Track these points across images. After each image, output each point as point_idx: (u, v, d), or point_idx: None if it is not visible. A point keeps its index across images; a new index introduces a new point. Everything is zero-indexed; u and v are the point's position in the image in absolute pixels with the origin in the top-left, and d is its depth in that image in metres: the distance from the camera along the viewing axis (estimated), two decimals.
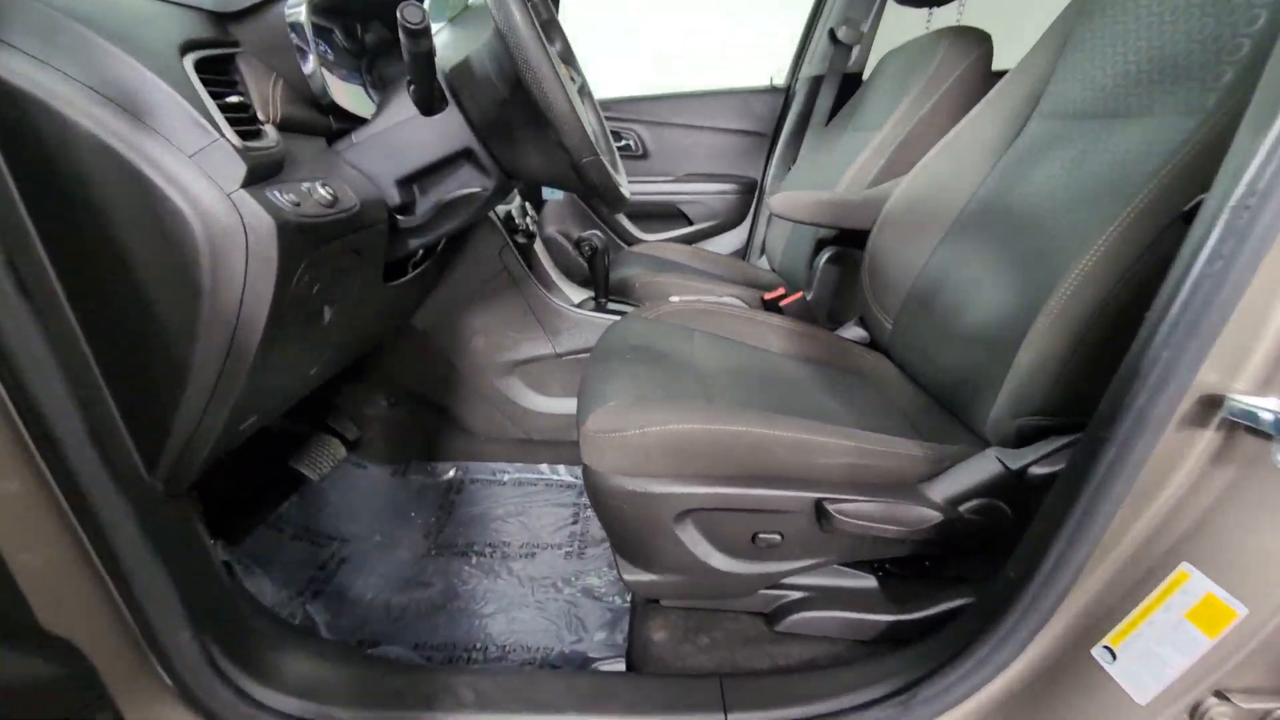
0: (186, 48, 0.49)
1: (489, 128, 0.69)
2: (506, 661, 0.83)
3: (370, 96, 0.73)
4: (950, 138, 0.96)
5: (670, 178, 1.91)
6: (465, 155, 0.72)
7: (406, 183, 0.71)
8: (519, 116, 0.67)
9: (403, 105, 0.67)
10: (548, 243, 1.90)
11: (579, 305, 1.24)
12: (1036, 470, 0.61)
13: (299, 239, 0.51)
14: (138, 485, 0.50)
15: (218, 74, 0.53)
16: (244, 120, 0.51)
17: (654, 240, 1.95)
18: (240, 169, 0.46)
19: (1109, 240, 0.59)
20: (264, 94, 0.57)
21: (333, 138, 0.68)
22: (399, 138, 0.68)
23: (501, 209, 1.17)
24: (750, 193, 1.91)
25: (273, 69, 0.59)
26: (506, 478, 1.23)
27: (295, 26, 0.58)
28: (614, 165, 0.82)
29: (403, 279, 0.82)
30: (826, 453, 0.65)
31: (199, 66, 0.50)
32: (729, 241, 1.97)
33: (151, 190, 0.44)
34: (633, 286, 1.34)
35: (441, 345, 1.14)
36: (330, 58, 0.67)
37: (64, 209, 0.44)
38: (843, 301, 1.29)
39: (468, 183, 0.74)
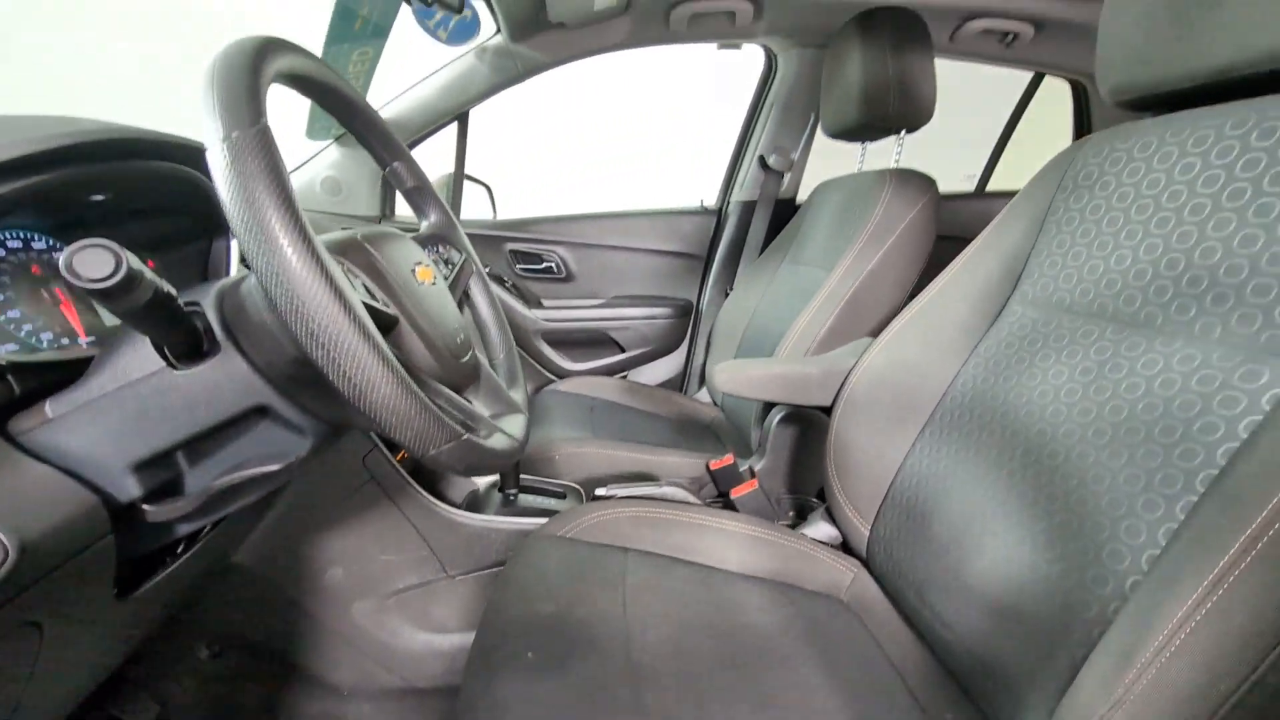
0: None
1: (287, 380, 0.44)
2: None
3: (79, 341, 0.47)
4: (917, 312, 0.81)
5: (598, 302, 1.72)
6: (259, 413, 0.46)
7: (159, 460, 0.45)
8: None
9: (137, 353, 0.41)
10: None
11: (481, 496, 0.98)
12: None
13: None
14: None
15: None
16: None
17: (583, 370, 1.73)
18: None
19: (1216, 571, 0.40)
20: None
21: (13, 409, 0.41)
22: (133, 402, 0.42)
23: None
24: (685, 316, 1.76)
25: None
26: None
27: None
28: (498, 402, 0.59)
29: (154, 579, 0.52)
30: None
31: None
32: (665, 368, 1.78)
33: None
34: (551, 460, 1.10)
35: (280, 582, 0.83)
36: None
37: None
38: (800, 471, 1.10)
39: (267, 449, 0.48)
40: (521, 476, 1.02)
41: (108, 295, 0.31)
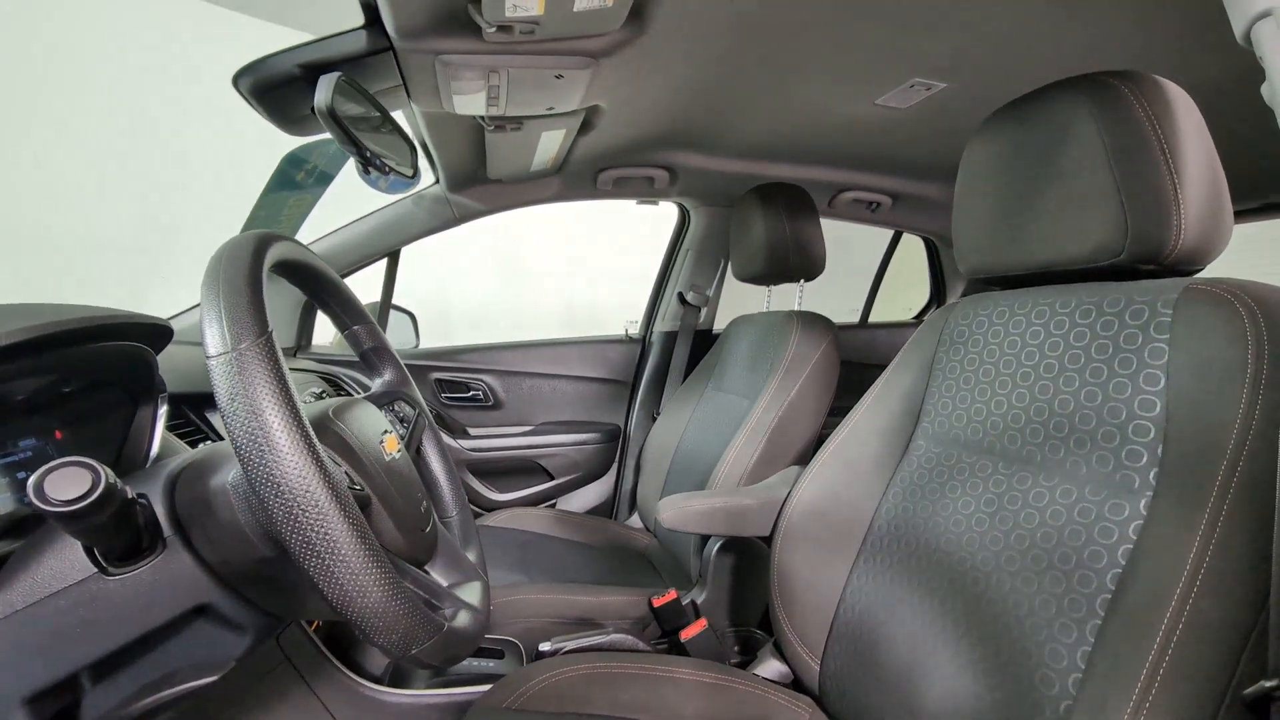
0: None
1: (239, 577, 0.41)
2: None
3: None
4: (837, 445, 0.89)
5: (526, 429, 1.71)
6: (196, 612, 0.42)
7: (61, 685, 0.38)
8: (292, 569, 0.41)
9: (62, 557, 0.37)
10: None
11: (388, 669, 0.88)
12: None
13: None
14: None
15: None
16: None
17: (510, 500, 1.67)
18: None
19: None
20: None
21: None
22: (50, 619, 0.36)
23: None
24: (613, 441, 1.78)
25: None
26: None
27: None
28: (462, 589, 0.57)
29: None
30: None
31: None
32: (594, 494, 1.77)
33: None
34: (489, 614, 1.02)
35: None
36: None
37: None
38: (743, 602, 1.11)
39: (201, 651, 0.42)
40: None
41: (74, 517, 0.29)
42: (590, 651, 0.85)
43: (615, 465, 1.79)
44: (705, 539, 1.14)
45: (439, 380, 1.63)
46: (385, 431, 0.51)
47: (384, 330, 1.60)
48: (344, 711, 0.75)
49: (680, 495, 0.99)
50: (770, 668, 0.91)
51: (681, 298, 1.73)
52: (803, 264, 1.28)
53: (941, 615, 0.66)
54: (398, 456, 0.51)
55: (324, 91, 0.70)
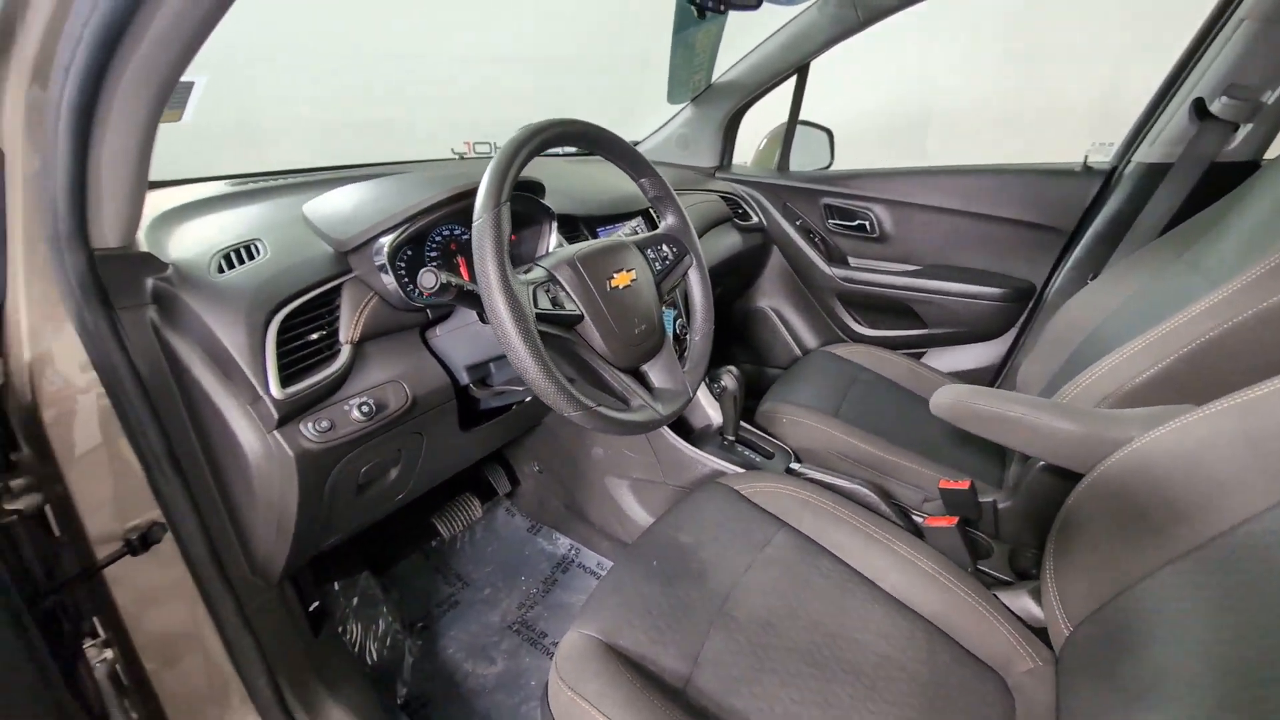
0: (278, 307, 0.65)
1: None
2: None
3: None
4: (1262, 407, 0.57)
5: (908, 269, 1.59)
6: None
7: (479, 365, 0.80)
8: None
9: (469, 310, 0.75)
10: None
11: (704, 432, 1.18)
12: None
13: (325, 458, 0.66)
14: (246, 585, 0.74)
15: (320, 305, 0.69)
16: (318, 352, 0.67)
17: (873, 337, 1.67)
18: (274, 417, 0.61)
19: None
20: (354, 316, 0.71)
21: (431, 324, 0.81)
22: (466, 335, 0.77)
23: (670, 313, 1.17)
24: (1020, 301, 1.45)
25: (371, 287, 0.73)
26: (604, 574, 1.29)
27: (379, 255, 0.71)
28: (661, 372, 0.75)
29: (487, 423, 0.93)
30: None
31: (299, 311, 0.66)
32: (973, 356, 1.55)
33: (228, 426, 0.62)
34: (780, 422, 1.20)
35: (569, 444, 1.24)
36: (428, 264, 0.79)
37: (201, 423, 0.65)
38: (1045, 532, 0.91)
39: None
40: (742, 427, 1.17)
41: (439, 293, 0.61)
42: (826, 487, 0.94)
43: (1015, 331, 1.49)
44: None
45: (828, 206, 1.65)
46: (619, 270, 0.70)
47: (790, 149, 1.68)
48: (657, 441, 1.12)
49: (967, 388, 0.85)
50: (1019, 601, 0.80)
51: (1200, 107, 1.10)
52: None
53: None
54: (622, 289, 0.70)
55: None
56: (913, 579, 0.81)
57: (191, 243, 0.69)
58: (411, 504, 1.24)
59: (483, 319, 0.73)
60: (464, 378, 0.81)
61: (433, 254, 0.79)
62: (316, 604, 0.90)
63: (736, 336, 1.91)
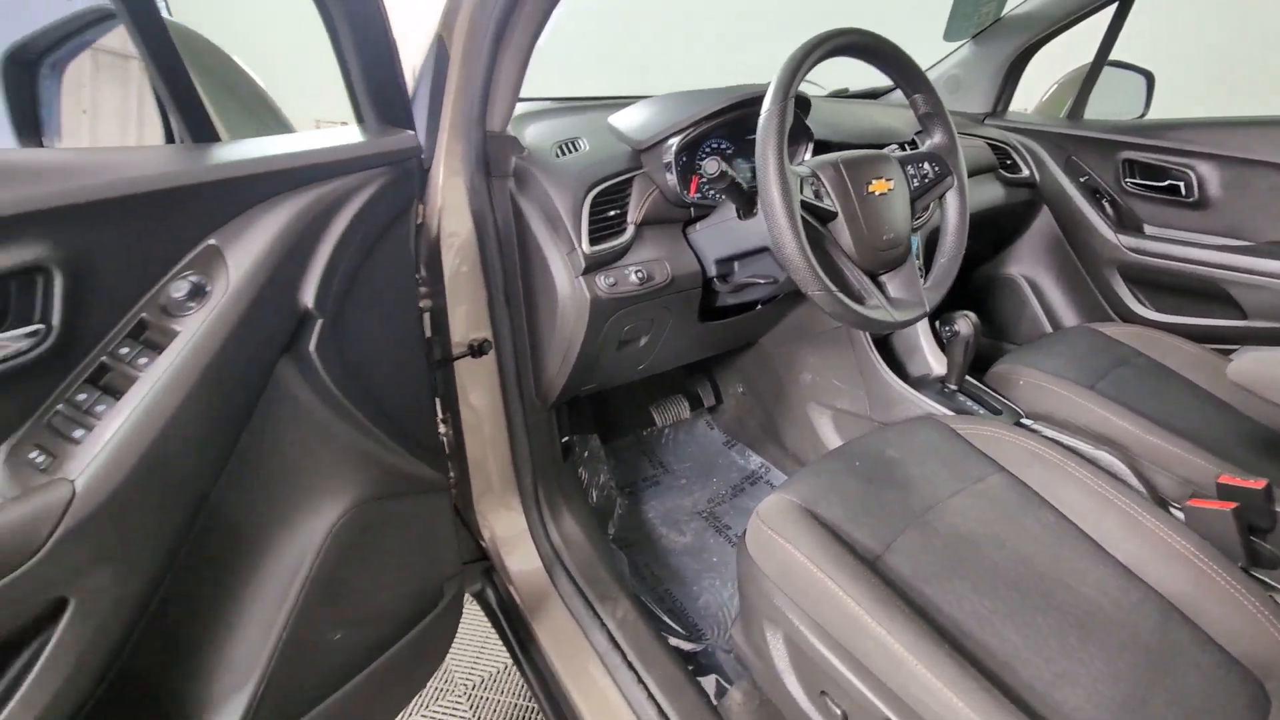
0: (592, 186, 0.84)
1: None
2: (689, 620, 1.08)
3: (713, 199, 0.94)
4: None
5: (1234, 244, 1.28)
6: (767, 249, 0.85)
7: (726, 260, 0.92)
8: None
9: (727, 207, 0.86)
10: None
11: (922, 379, 1.16)
12: None
13: (608, 306, 0.84)
14: (531, 401, 0.99)
15: (617, 191, 0.87)
16: (612, 225, 0.85)
17: (1161, 323, 1.39)
18: (582, 265, 0.81)
19: None
20: (639, 203, 0.88)
21: (690, 222, 0.94)
22: (720, 231, 0.88)
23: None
24: None
25: (654, 183, 0.89)
26: None
27: (667, 153, 0.86)
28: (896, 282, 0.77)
29: (718, 320, 1.05)
30: None
31: (604, 192, 0.85)
32: None
33: (549, 269, 0.84)
34: (1015, 384, 1.12)
35: (779, 367, 1.32)
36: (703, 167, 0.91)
37: (529, 269, 0.89)
38: None
39: (768, 270, 0.88)
40: (968, 381, 1.11)
41: (713, 180, 0.73)
42: (1065, 449, 0.85)
43: None
44: None
45: (1128, 161, 1.40)
46: (877, 178, 0.74)
47: (1088, 94, 1.46)
48: (866, 369, 1.14)
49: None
50: None
51: None
52: None
53: None
54: (878, 195, 0.74)
55: None
56: (1155, 552, 0.72)
57: (537, 136, 0.91)
58: (639, 387, 1.45)
59: (740, 215, 0.84)
60: (711, 269, 0.93)
61: (701, 160, 0.92)
62: (566, 439, 1.15)
63: (975, 305, 1.75)
